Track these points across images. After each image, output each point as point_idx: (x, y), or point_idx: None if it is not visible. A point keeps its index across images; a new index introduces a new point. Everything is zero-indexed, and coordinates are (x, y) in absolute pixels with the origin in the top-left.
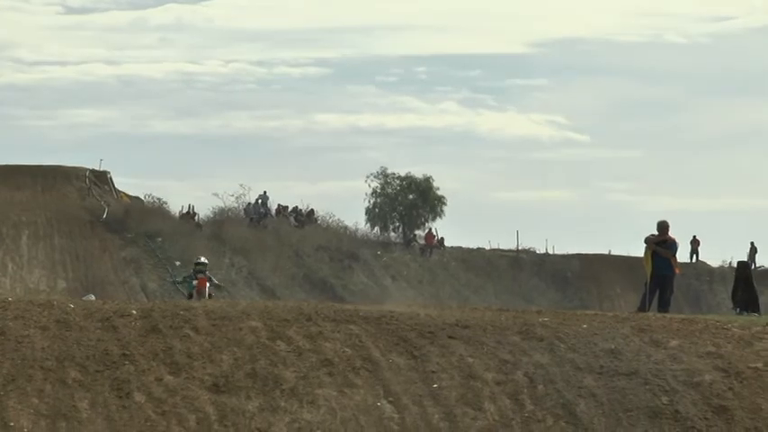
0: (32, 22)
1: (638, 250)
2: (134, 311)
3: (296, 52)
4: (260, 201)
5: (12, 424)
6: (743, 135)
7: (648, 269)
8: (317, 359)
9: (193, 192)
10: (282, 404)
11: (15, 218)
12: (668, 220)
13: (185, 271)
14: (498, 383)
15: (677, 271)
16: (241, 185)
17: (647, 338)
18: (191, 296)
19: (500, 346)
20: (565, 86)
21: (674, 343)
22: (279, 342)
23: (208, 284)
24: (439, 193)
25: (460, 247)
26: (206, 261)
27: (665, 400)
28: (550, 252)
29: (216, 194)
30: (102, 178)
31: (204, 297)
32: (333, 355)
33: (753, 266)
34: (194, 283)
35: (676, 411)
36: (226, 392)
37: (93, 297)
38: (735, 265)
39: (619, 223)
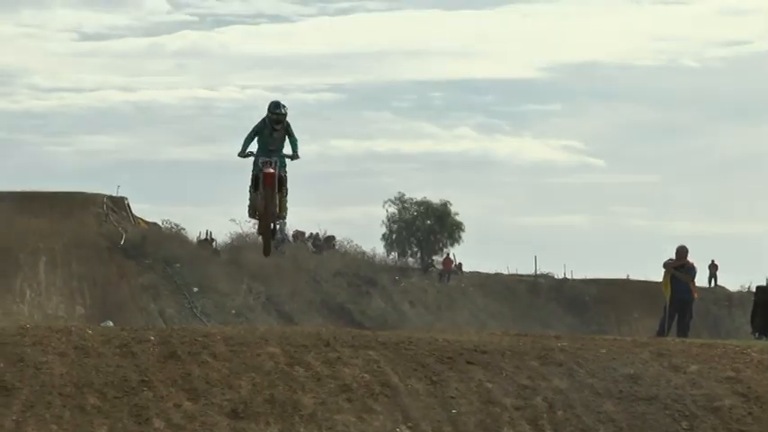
0: (48, 49)
1: (657, 275)
2: (152, 337)
3: (311, 78)
4: (277, 226)
5: None
6: (759, 158)
7: (667, 294)
8: (336, 385)
9: (211, 218)
10: (301, 430)
11: (33, 245)
12: (686, 245)
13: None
14: (517, 409)
15: (696, 296)
16: None
17: (667, 363)
18: (256, 183)
19: (519, 372)
20: (580, 111)
21: (693, 368)
22: (297, 368)
23: (272, 168)
24: (456, 218)
25: (478, 273)
26: (285, 111)
27: (684, 425)
28: (569, 277)
29: (233, 220)
30: (119, 204)
31: (272, 199)
32: (351, 381)
33: None
34: (260, 164)
35: None
36: (245, 418)
37: (111, 323)
38: (753, 289)
39: (637, 248)
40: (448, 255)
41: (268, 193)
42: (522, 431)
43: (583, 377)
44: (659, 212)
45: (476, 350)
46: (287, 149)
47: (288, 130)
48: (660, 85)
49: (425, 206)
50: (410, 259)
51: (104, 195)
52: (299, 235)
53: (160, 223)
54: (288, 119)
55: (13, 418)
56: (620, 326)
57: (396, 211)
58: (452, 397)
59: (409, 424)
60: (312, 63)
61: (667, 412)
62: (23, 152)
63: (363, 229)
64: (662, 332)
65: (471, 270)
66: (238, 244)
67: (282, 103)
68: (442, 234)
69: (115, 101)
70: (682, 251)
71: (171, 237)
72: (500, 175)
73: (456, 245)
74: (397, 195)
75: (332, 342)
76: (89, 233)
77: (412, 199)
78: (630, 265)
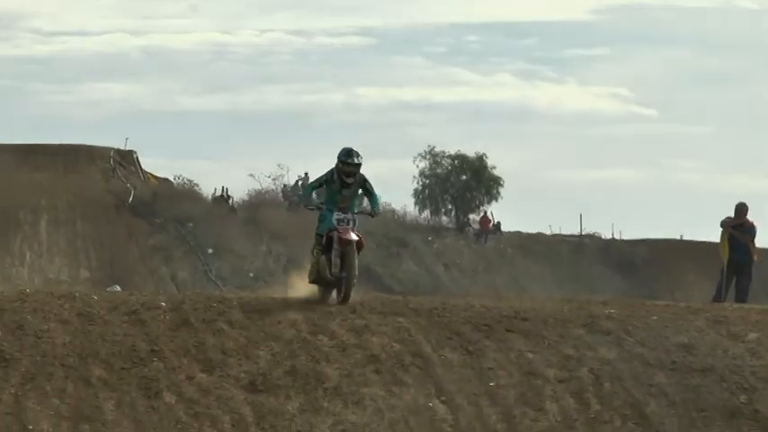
0: None
1: (713, 235)
2: (163, 304)
3: (336, 20)
4: (300, 182)
5: (31, 427)
6: None
7: (724, 255)
8: (363, 355)
9: (227, 173)
10: (325, 404)
11: (34, 202)
12: (746, 202)
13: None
14: (561, 381)
15: (756, 257)
16: (279, 165)
17: (724, 331)
18: (327, 245)
19: (562, 341)
20: (629, 56)
21: (752, 336)
22: (321, 336)
23: (353, 233)
24: (494, 173)
25: (518, 233)
26: (360, 161)
27: (743, 398)
28: (617, 237)
29: (251, 175)
30: (127, 158)
31: (351, 270)
32: (380, 351)
33: None
34: (335, 221)
35: (755, 411)
36: (263, 392)
37: (118, 288)
38: None
39: (691, 205)
40: (485, 213)
41: (348, 263)
42: (566, 405)
43: (632, 346)
44: (715, 166)
45: (516, 317)
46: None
47: (365, 186)
48: (716, 28)
49: (460, 160)
50: (444, 218)
51: (111, 149)
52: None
53: (172, 179)
54: (358, 166)
55: (12, 391)
56: (674, 290)
57: (427, 166)
58: (490, 368)
59: (443, 398)
60: (337, 4)
61: (724, 384)
62: (25, 101)
63: (392, 185)
64: (719, 297)
65: (511, 230)
66: (257, 201)
67: (356, 150)
68: (478, 190)
69: (124, 46)
70: (741, 209)
71: (183, 194)
72: (541, 125)
73: (494, 202)
74: (428, 148)
75: (358, 308)
76: (95, 190)
77: (445, 152)
78: (684, 223)
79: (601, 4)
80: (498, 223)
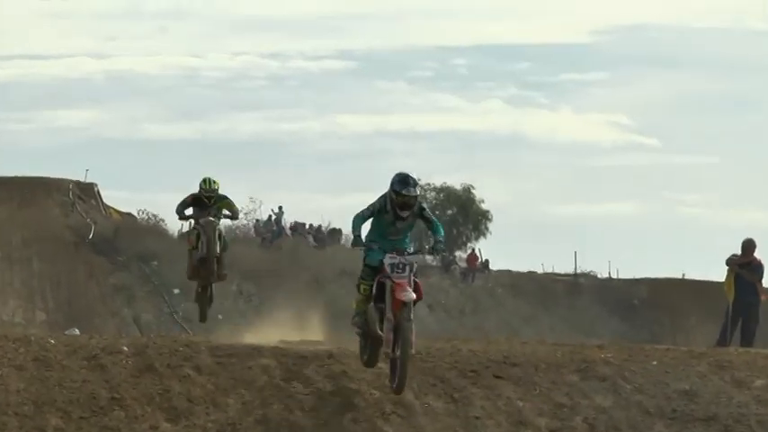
0: (6, 8)
1: (718, 274)
2: (125, 348)
3: (314, 42)
4: (273, 217)
5: None
6: None
7: (730, 296)
8: (340, 403)
9: None
10: None
11: None
12: (754, 239)
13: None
14: (553, 431)
15: (763, 298)
16: (251, 199)
17: (728, 377)
18: (378, 290)
19: (555, 387)
20: (629, 81)
21: (759, 383)
22: (295, 383)
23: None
24: (482, 206)
25: (509, 271)
26: (416, 192)
27: None
28: (614, 276)
29: None
30: (88, 191)
31: (407, 332)
32: (358, 399)
33: None
34: (387, 266)
35: None
36: None
37: (77, 331)
38: None
39: (694, 242)
40: (473, 250)
41: (403, 339)
42: None
43: (630, 394)
44: (721, 199)
45: (505, 362)
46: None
47: (423, 214)
48: (722, 50)
49: (446, 192)
50: (428, 256)
51: (70, 181)
52: (298, 227)
53: (135, 214)
54: (415, 198)
55: None
56: (676, 333)
57: None
58: (477, 417)
59: None
60: (315, 24)
61: None
62: None
63: None
64: (723, 341)
65: (500, 268)
66: (227, 237)
67: (413, 178)
68: (465, 225)
69: (85, 70)
70: (748, 246)
71: (148, 229)
72: (534, 155)
73: (482, 238)
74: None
75: (335, 353)
76: (52, 225)
77: (430, 184)
78: (687, 261)
79: (598, 25)
80: (487, 261)
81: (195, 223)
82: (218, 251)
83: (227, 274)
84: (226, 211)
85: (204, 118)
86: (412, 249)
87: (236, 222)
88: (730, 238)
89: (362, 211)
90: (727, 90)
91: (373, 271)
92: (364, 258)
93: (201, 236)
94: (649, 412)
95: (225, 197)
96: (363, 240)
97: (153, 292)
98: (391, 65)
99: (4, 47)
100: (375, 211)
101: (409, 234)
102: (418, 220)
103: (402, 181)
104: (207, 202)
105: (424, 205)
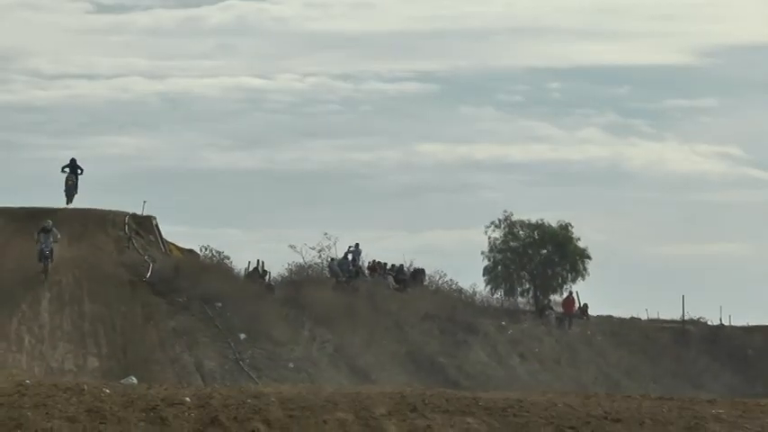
0: (53, 25)
1: None
2: (187, 399)
3: (392, 63)
4: (350, 256)
5: None
6: None
7: None
8: None
9: (263, 244)
10: None
11: (34, 276)
12: None
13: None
14: None
15: None
16: (325, 235)
17: None
18: None
19: None
20: (742, 108)
21: None
22: None
23: None
24: (580, 245)
25: (609, 317)
26: None
27: None
28: (726, 323)
29: (292, 247)
30: (145, 226)
31: None
32: None
33: None
34: None
35: None
36: None
37: (134, 380)
38: None
39: None
40: (570, 293)
41: None
42: None
43: None
44: None
45: (606, 418)
46: None
47: None
48: None
49: (540, 230)
50: (520, 299)
51: (126, 214)
52: (377, 267)
53: (198, 250)
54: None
55: None
56: None
57: (501, 237)
58: None
59: None
60: (393, 43)
61: None
62: (22, 158)
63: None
64: None
65: (600, 314)
66: (298, 278)
67: None
68: (561, 266)
69: (139, 91)
70: None
71: (211, 268)
72: (636, 190)
73: (579, 280)
74: (502, 216)
75: (419, 406)
76: (106, 263)
77: (522, 221)
78: None
79: (707, 45)
80: (585, 306)
81: None
82: None
83: None
84: None
85: (270, 146)
86: None
87: (307, 261)
88: None
89: None
90: None
91: None
92: None
93: None
94: None
95: None
96: None
97: (217, 337)
98: (477, 88)
99: (52, 66)
100: None
101: None
102: None
103: None
104: None
105: None
